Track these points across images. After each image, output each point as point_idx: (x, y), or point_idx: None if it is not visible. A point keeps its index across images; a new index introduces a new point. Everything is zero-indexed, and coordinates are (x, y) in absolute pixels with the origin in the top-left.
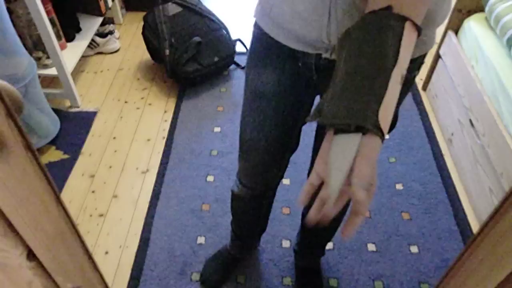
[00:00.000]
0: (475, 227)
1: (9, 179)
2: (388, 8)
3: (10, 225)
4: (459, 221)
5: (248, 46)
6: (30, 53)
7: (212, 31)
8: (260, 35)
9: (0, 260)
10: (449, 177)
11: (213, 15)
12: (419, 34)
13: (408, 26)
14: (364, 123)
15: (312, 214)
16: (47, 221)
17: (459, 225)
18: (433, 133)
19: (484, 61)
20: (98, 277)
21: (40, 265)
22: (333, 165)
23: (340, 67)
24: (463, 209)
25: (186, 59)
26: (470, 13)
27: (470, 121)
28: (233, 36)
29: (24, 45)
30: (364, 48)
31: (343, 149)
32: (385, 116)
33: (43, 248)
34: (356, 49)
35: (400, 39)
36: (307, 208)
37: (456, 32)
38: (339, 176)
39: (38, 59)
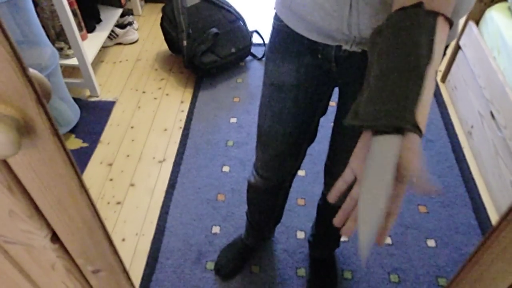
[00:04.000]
0: (495, 221)
1: (37, 163)
2: (419, 4)
3: (36, 208)
4: (478, 215)
5: (265, 38)
6: (53, 44)
7: (229, 22)
8: (280, 27)
9: (26, 241)
10: (469, 170)
11: (230, 6)
12: (450, 27)
13: (440, 21)
14: (403, 124)
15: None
16: (71, 205)
17: (478, 219)
18: (452, 125)
19: (506, 52)
20: (117, 261)
21: (63, 247)
22: (373, 167)
23: (374, 67)
24: (482, 203)
25: (203, 50)
26: (492, 2)
27: (491, 113)
28: (250, 28)
29: (48, 36)
30: (397, 47)
31: (383, 150)
32: (422, 113)
33: (67, 231)
34: (389, 48)
35: (433, 36)
36: (324, 200)
37: (477, 23)
38: (387, 180)
39: (60, 50)
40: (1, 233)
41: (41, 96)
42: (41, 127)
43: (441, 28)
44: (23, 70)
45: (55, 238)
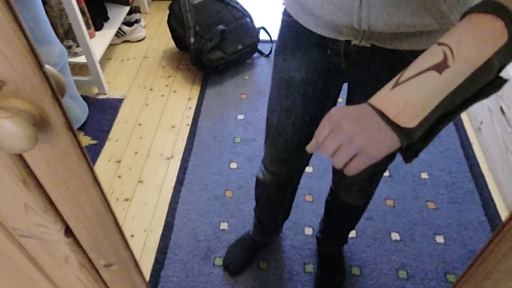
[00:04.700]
0: (505, 217)
1: (52, 158)
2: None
3: (50, 202)
4: (488, 211)
5: (272, 34)
6: (61, 42)
7: (236, 19)
8: (289, 22)
9: (41, 235)
10: (478, 166)
11: (237, 3)
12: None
13: (478, 18)
14: None
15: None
16: (85, 200)
17: (487, 215)
18: (461, 121)
19: None
20: (129, 255)
21: (76, 241)
22: None
23: None
24: (492, 199)
25: (210, 47)
26: None
27: (501, 108)
28: (257, 24)
29: (56, 34)
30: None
31: None
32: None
33: (80, 225)
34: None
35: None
36: (332, 196)
37: None
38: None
39: (68, 48)
40: (16, 227)
41: (56, 92)
42: (57, 122)
43: (480, 26)
44: (40, 66)
45: (68, 232)
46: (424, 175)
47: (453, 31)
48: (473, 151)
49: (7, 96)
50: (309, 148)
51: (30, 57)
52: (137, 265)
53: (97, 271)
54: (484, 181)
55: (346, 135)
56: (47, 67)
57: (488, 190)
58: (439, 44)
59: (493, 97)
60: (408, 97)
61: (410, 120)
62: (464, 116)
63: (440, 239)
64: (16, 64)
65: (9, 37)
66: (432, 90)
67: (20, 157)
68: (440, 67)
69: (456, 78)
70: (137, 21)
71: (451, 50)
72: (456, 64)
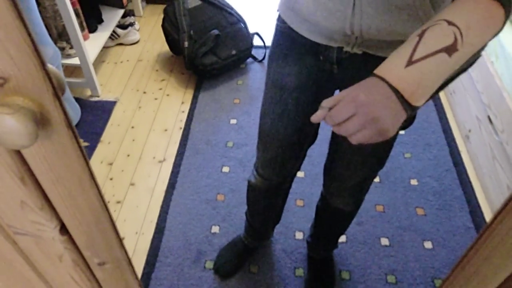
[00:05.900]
0: None
1: (51, 155)
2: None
3: (47, 200)
4: (475, 218)
5: (266, 40)
6: (55, 43)
7: (231, 24)
8: (283, 29)
9: (36, 232)
10: (466, 174)
11: (232, 8)
12: (507, 15)
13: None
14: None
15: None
16: (81, 197)
17: (475, 222)
18: (450, 129)
19: (504, 57)
20: (123, 254)
21: (71, 239)
22: None
23: None
24: (479, 206)
25: (204, 52)
26: None
27: (489, 117)
28: (251, 30)
29: (50, 35)
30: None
31: None
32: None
33: (75, 223)
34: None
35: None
36: (323, 201)
37: None
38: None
39: (62, 49)
40: (11, 224)
41: (57, 90)
42: (57, 120)
43: (486, 13)
44: (42, 65)
45: (63, 229)
46: (413, 182)
47: (461, 12)
48: (461, 159)
49: (9, 93)
50: (314, 118)
51: (33, 55)
52: (131, 263)
53: (90, 269)
54: (472, 188)
55: (362, 104)
56: (49, 66)
57: (476, 197)
58: (449, 23)
59: (481, 107)
60: (422, 79)
61: (420, 99)
62: (453, 124)
63: (428, 244)
64: (19, 61)
65: (14, 36)
66: (442, 72)
67: (19, 153)
68: (451, 50)
69: (460, 60)
70: (131, 24)
71: (461, 34)
72: (463, 48)
